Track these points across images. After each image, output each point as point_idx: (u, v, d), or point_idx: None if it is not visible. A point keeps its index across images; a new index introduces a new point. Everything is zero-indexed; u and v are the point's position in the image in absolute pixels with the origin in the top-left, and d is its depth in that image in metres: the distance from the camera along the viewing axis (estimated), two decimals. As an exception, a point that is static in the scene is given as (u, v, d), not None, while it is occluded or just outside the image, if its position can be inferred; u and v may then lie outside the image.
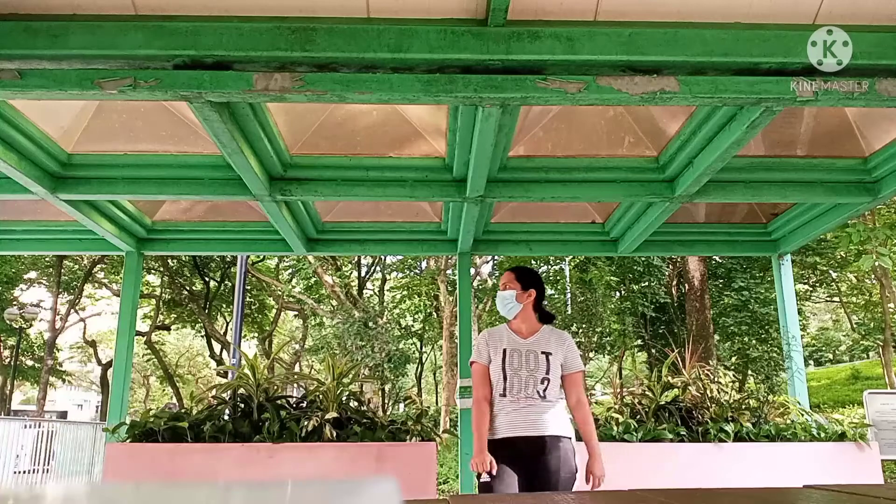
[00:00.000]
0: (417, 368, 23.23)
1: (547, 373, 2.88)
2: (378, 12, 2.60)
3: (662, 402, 4.39)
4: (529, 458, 2.79)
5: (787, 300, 5.36)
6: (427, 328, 20.48)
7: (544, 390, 2.86)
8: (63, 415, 33.11)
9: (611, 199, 4.14)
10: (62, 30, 2.51)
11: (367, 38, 2.56)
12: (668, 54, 2.59)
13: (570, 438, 2.86)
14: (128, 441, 3.82)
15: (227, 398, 4.14)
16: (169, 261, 17.51)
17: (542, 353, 2.93)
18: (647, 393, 4.46)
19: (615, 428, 4.18)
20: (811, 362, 30.37)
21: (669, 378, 4.49)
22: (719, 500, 0.40)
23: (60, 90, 2.59)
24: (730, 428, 4.13)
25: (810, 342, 27.87)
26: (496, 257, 15.92)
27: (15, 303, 19.47)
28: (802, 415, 4.56)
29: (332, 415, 3.77)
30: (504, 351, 2.94)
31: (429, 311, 19.68)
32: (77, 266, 19.44)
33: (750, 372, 13.91)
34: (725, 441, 4.10)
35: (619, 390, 4.69)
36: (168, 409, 4.22)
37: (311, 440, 3.70)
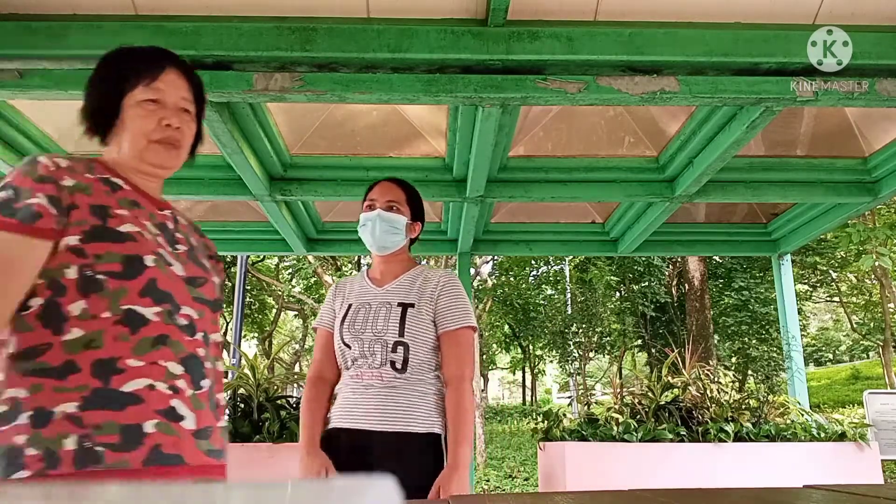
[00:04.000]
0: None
1: (401, 334, 1.91)
2: (378, 12, 2.60)
3: (662, 402, 4.39)
4: (354, 462, 1.85)
5: (787, 300, 5.36)
6: (427, 328, 20.43)
7: (402, 362, 1.90)
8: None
9: (611, 199, 4.14)
10: (62, 30, 2.51)
11: (367, 38, 2.56)
12: (668, 54, 2.59)
13: (439, 436, 1.91)
14: (128, 441, 3.82)
15: (226, 398, 4.14)
16: (169, 261, 17.46)
17: (399, 304, 1.97)
18: (647, 393, 4.46)
19: (615, 428, 4.18)
20: (811, 362, 30.38)
21: (669, 378, 4.49)
22: (719, 500, 0.40)
23: (60, 90, 2.59)
24: (730, 428, 4.13)
25: (810, 342, 27.87)
26: (496, 257, 15.92)
27: None
28: (802, 415, 4.56)
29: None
30: (349, 307, 2.02)
31: (429, 311, 19.64)
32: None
33: (750, 372, 13.92)
34: (725, 441, 4.10)
35: (619, 390, 4.69)
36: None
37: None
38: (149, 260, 1.16)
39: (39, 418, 1.03)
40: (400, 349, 1.90)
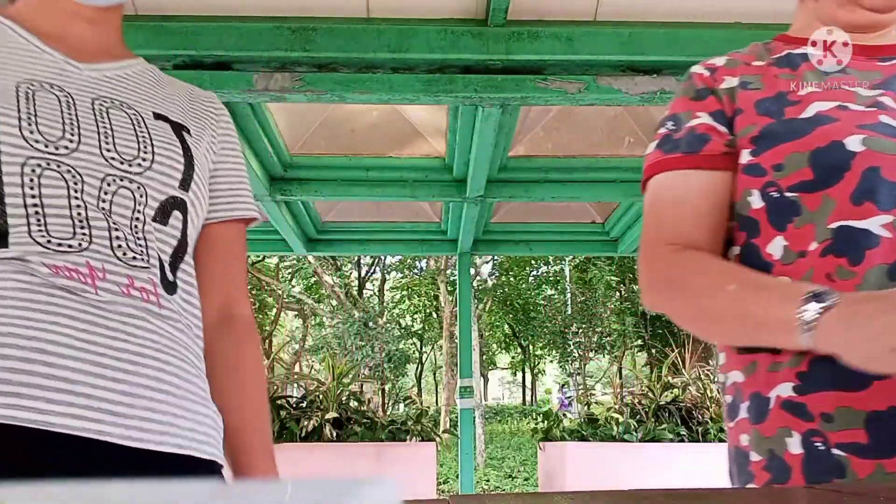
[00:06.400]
0: (417, 368, 23.25)
1: (184, 187, 0.74)
2: (378, 12, 2.60)
3: (662, 402, 4.39)
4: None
5: (787, 300, 5.35)
6: (427, 328, 20.48)
7: (171, 263, 0.73)
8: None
9: (611, 199, 4.14)
10: (62, 30, 2.51)
11: (367, 38, 2.56)
12: (668, 54, 2.59)
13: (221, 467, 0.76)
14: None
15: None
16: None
17: (159, 117, 0.77)
18: (647, 393, 4.46)
19: (615, 428, 4.18)
20: (811, 362, 30.32)
21: (669, 378, 4.50)
22: (719, 500, 0.40)
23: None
24: (730, 428, 4.13)
25: (810, 342, 27.80)
26: (496, 257, 15.93)
27: None
28: (802, 415, 4.55)
29: (332, 415, 3.77)
30: (17, 91, 0.68)
31: (429, 311, 19.68)
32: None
33: (750, 372, 13.90)
34: (725, 441, 4.10)
35: (619, 390, 4.69)
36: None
37: (311, 440, 3.70)
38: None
39: (756, 410, 0.77)
40: (165, 224, 0.76)
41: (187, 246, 0.76)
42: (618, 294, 15.47)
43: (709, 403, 4.34)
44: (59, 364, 0.60)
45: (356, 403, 4.13)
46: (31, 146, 0.66)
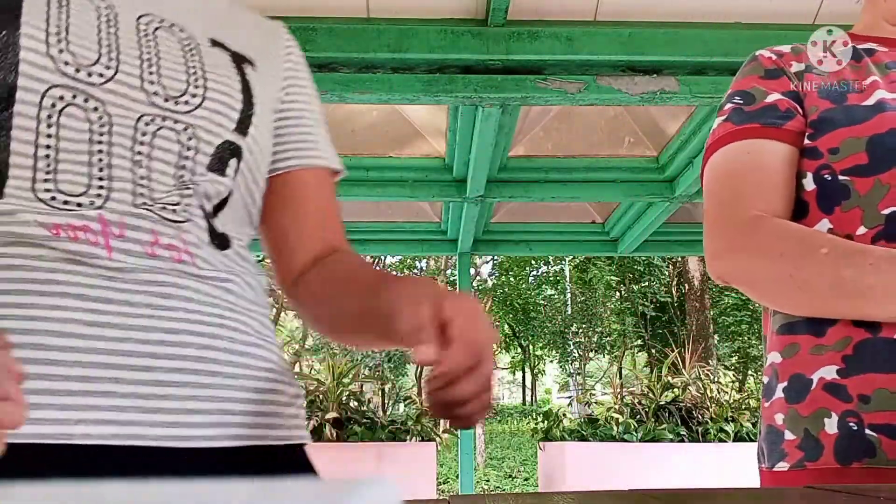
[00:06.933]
0: (417, 368, 23.25)
1: (241, 131, 0.61)
2: (378, 12, 2.60)
3: (662, 402, 4.39)
4: None
5: (787, 300, 5.36)
6: (427, 328, 20.44)
7: (220, 216, 0.60)
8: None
9: (611, 199, 4.14)
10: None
11: (367, 38, 2.56)
12: (668, 54, 2.59)
13: (302, 446, 0.64)
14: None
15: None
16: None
17: (216, 44, 0.63)
18: (647, 393, 4.46)
19: (615, 428, 4.18)
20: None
21: (669, 378, 4.50)
22: (719, 500, 0.40)
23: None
24: (730, 428, 4.13)
25: (810, 342, 27.82)
26: (496, 257, 15.93)
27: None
28: (802, 415, 4.56)
29: (332, 415, 3.78)
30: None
31: (429, 311, 19.64)
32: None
33: (750, 372, 13.92)
34: (725, 441, 4.10)
35: (619, 390, 4.69)
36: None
37: (311, 440, 3.70)
38: None
39: (795, 390, 0.76)
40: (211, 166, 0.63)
41: (242, 199, 0.62)
42: (618, 294, 15.47)
43: (709, 403, 4.34)
44: (68, 360, 0.47)
45: (356, 403, 4.13)
46: (59, 69, 0.52)
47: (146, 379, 0.50)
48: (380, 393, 16.06)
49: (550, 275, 16.53)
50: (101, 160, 0.53)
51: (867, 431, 0.69)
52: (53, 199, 0.51)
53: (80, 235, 0.50)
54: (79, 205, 0.51)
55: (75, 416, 0.46)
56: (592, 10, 2.63)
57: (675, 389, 4.52)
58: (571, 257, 14.61)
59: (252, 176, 0.63)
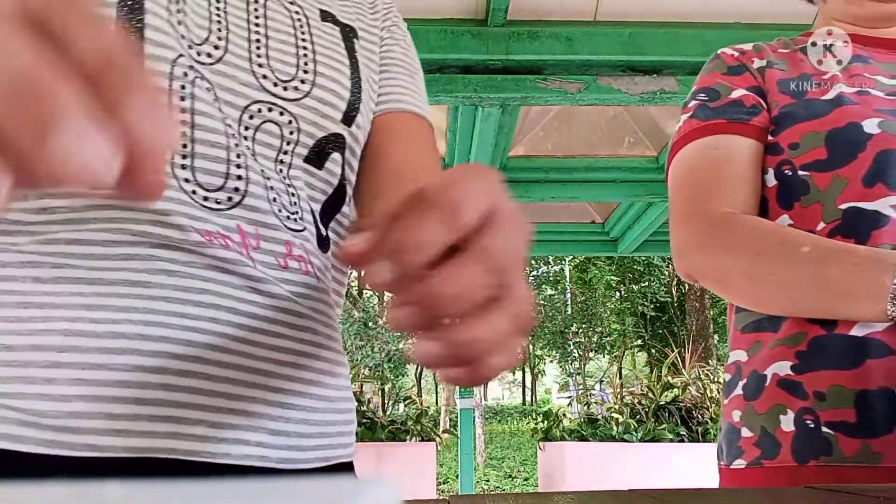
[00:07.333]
0: (417, 368, 23.25)
1: (347, 121, 0.55)
2: (378, 12, 2.60)
3: (662, 402, 4.39)
4: None
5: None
6: (427, 328, 20.44)
7: (324, 217, 0.55)
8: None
9: (611, 199, 4.14)
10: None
11: (367, 38, 2.56)
12: (668, 54, 2.60)
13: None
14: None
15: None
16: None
17: (327, 18, 0.58)
18: (647, 393, 4.46)
19: (615, 428, 4.18)
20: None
21: (669, 378, 4.50)
22: (719, 500, 0.40)
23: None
24: (730, 428, 4.14)
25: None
26: (496, 257, 15.92)
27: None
28: (802, 415, 4.56)
29: (331, 415, 3.78)
30: None
31: (429, 311, 19.65)
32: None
33: (750, 372, 13.93)
34: (725, 441, 4.11)
35: (619, 390, 4.69)
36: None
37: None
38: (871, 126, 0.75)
39: (752, 387, 0.75)
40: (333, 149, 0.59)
41: (346, 195, 0.56)
42: (618, 294, 15.48)
43: (709, 403, 4.34)
44: (219, 376, 0.45)
45: (356, 403, 4.13)
46: (179, 43, 0.46)
47: (276, 400, 0.48)
48: (380, 393, 16.06)
49: (550, 275, 16.53)
50: (233, 150, 0.47)
51: (823, 429, 0.68)
52: (194, 192, 0.45)
53: (230, 243, 0.46)
54: (217, 201, 0.46)
55: (219, 435, 0.44)
56: (592, 10, 2.63)
57: (675, 389, 4.53)
58: (571, 257, 14.61)
59: (352, 165, 0.57)
